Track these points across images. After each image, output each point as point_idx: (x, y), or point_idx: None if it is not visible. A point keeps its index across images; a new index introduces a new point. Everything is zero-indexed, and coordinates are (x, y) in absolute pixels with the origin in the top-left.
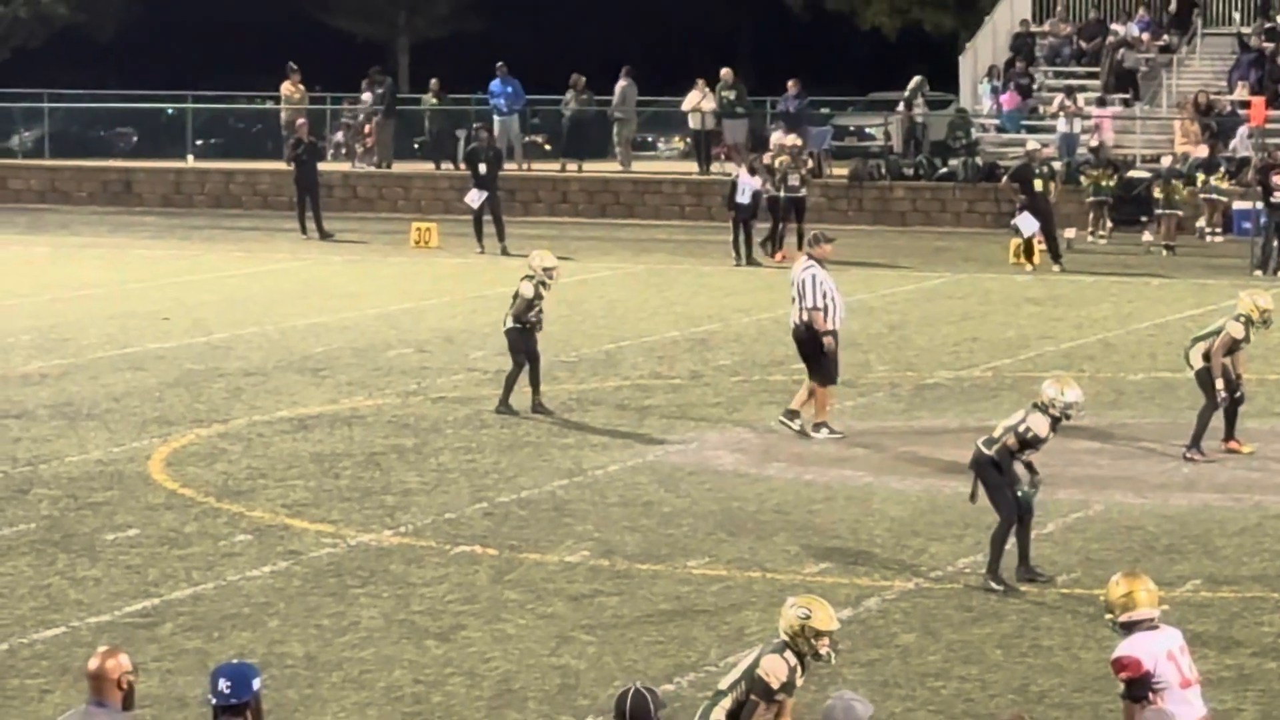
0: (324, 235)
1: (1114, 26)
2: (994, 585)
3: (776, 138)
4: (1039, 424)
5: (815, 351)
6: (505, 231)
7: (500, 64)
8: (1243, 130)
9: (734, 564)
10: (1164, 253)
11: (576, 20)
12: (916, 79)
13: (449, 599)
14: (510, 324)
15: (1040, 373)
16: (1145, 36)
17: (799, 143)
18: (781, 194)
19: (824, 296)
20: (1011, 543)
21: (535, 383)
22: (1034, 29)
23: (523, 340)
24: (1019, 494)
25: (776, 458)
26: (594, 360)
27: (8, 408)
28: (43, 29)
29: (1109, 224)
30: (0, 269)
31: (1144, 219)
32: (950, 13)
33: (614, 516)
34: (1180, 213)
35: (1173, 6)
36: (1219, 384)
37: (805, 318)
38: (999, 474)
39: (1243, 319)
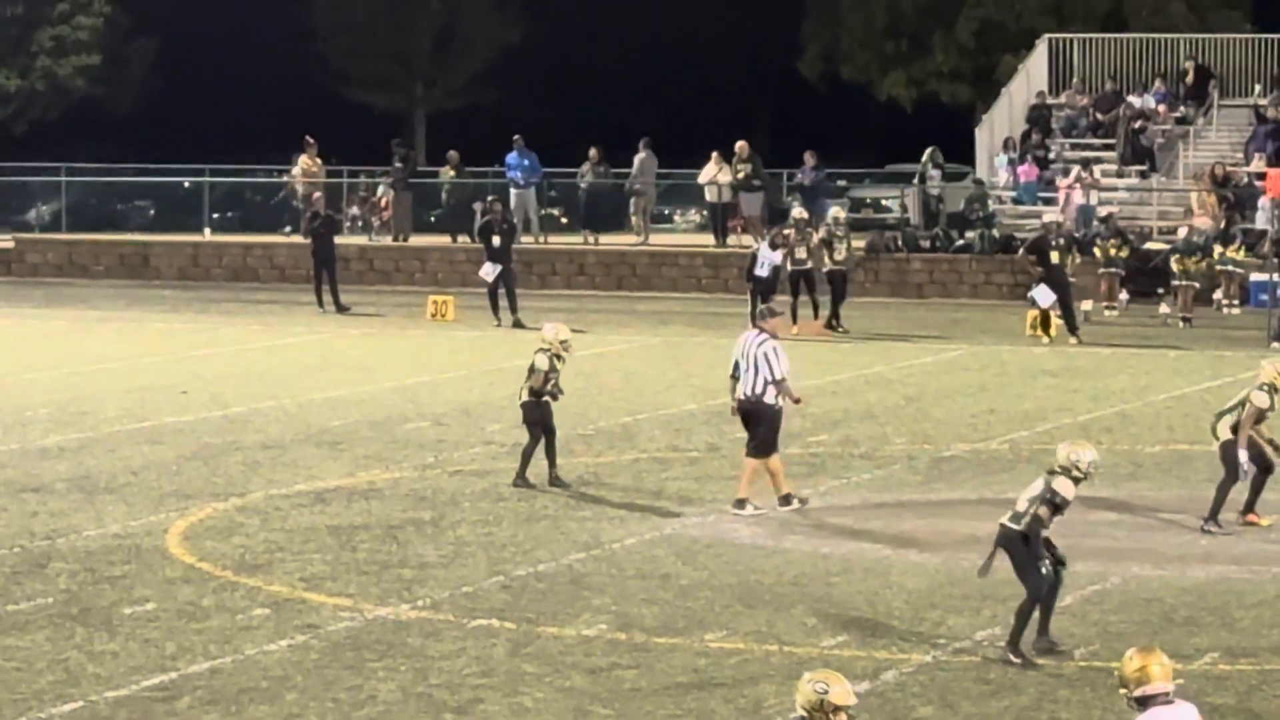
0: (341, 308)
1: (1130, 98)
2: (1013, 658)
3: (797, 212)
4: (1065, 488)
5: (762, 425)
6: (518, 304)
7: (517, 137)
8: (1264, 202)
9: (751, 637)
10: (1181, 325)
11: (593, 93)
12: (929, 150)
13: (466, 672)
14: (526, 397)
15: (1058, 445)
16: (1162, 108)
17: (805, 215)
18: (788, 266)
19: (781, 372)
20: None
21: (551, 456)
22: (1050, 101)
23: (539, 413)
24: (1049, 569)
25: (794, 530)
26: (611, 433)
27: (26, 481)
28: (60, 102)
29: (1124, 295)
30: (18, 343)
31: (1161, 291)
32: (967, 84)
33: (631, 589)
34: (1197, 285)
35: (1189, 78)
36: (1242, 456)
37: (756, 390)
38: (1027, 548)
39: (1266, 388)
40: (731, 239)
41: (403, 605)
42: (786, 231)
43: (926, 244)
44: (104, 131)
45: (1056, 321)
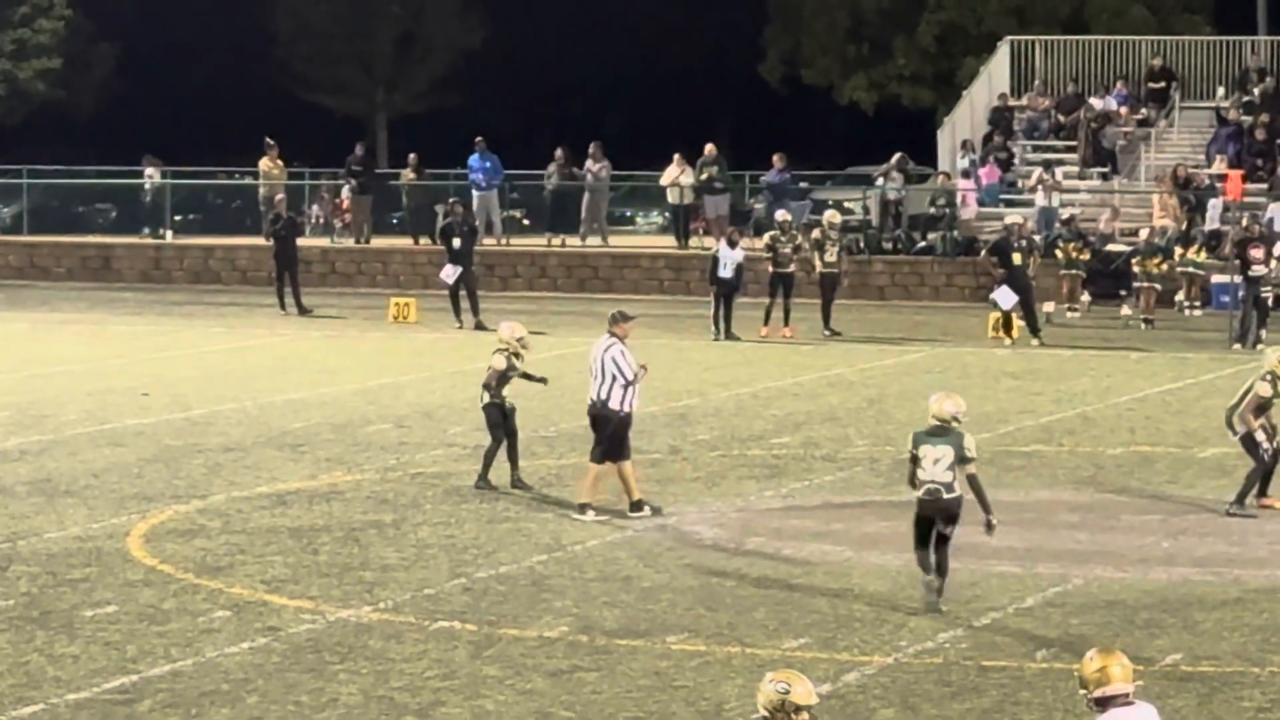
0: (302, 310)
1: (1092, 100)
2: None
3: (780, 215)
4: (970, 444)
5: (608, 430)
6: (480, 306)
7: (479, 139)
8: (1214, 203)
9: (713, 639)
10: (1143, 326)
11: (555, 96)
12: (897, 156)
13: (428, 675)
14: (487, 400)
15: (1020, 446)
16: (1124, 110)
17: (789, 218)
18: (770, 269)
19: (633, 370)
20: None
21: (514, 458)
22: (1012, 103)
23: (500, 415)
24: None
25: (755, 532)
26: (573, 435)
27: None
28: (21, 105)
29: (1085, 298)
30: None
31: (1123, 293)
32: (928, 87)
33: (593, 592)
34: (1159, 287)
35: (1153, 81)
36: (1260, 437)
37: (603, 396)
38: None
39: (1269, 377)
40: (694, 241)
41: (364, 608)
42: (742, 230)
43: (889, 246)
44: (65, 134)
45: (1018, 324)
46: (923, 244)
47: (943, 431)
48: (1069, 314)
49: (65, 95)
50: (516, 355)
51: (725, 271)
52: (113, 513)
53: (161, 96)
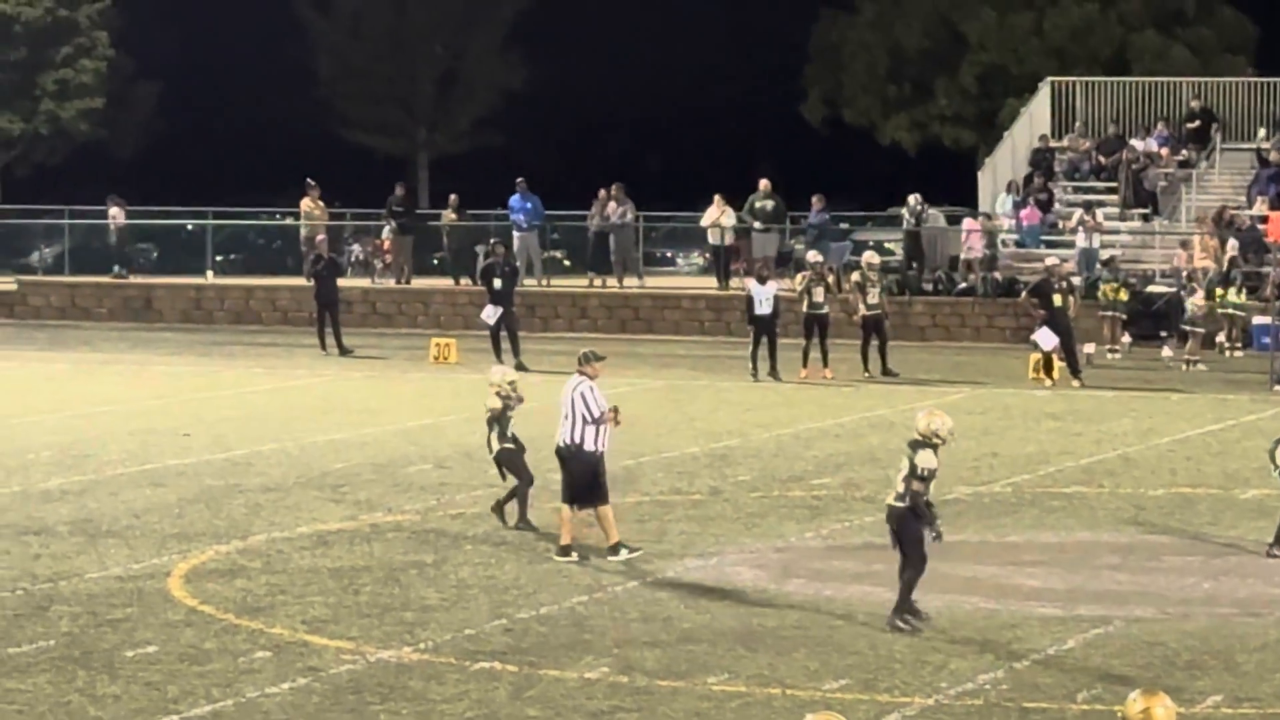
0: (343, 351)
1: (1133, 142)
2: (900, 625)
3: (812, 255)
4: (928, 459)
5: (587, 471)
6: (521, 347)
7: (520, 179)
8: (1231, 243)
9: (753, 680)
10: (1186, 368)
11: (595, 136)
12: (913, 197)
13: (468, 716)
14: (497, 445)
15: (1061, 487)
16: (1164, 151)
17: (820, 258)
18: (804, 309)
19: (599, 408)
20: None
21: (525, 501)
22: (1053, 144)
23: (517, 457)
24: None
25: (796, 574)
26: (613, 476)
27: (28, 524)
28: (64, 145)
29: (1126, 339)
30: (21, 385)
31: (1163, 334)
32: (969, 128)
33: (634, 632)
34: (1201, 329)
35: (1194, 121)
36: None
37: (575, 439)
38: (917, 522)
39: None
40: (734, 282)
41: (405, 648)
42: (779, 270)
43: (929, 287)
44: (107, 174)
45: (1059, 365)
46: (963, 285)
47: (916, 446)
48: (1109, 355)
49: (107, 135)
50: (509, 398)
51: (763, 309)
52: (154, 553)
53: (203, 136)
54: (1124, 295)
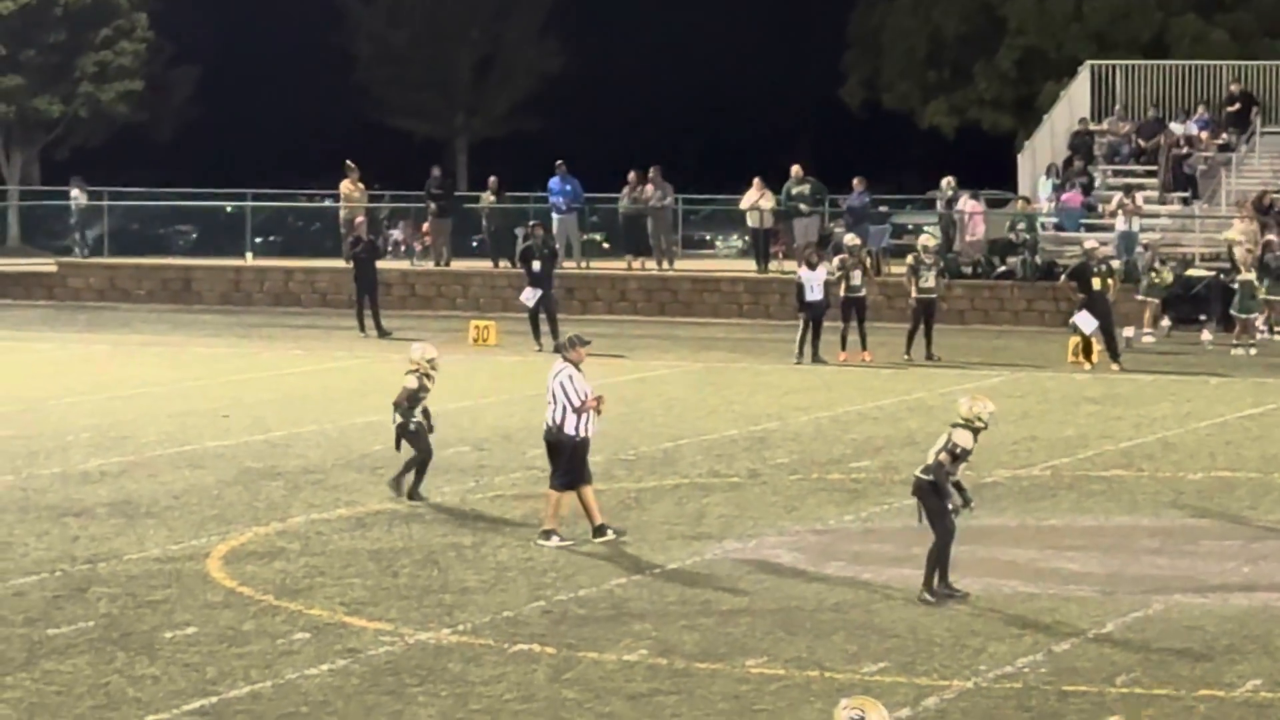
0: (382, 333)
1: (1172, 125)
2: (929, 598)
3: (850, 238)
4: (964, 438)
5: (563, 456)
6: (560, 330)
7: (560, 162)
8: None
9: (792, 663)
10: (1246, 352)
11: (633, 119)
12: (946, 180)
13: (507, 698)
14: (399, 420)
15: (1100, 471)
16: (1204, 135)
17: (858, 241)
18: (841, 293)
19: (579, 397)
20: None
21: (421, 473)
22: (1092, 128)
23: (423, 431)
24: (956, 513)
25: (835, 556)
26: (652, 459)
27: (67, 505)
28: (103, 128)
29: (1165, 322)
30: (60, 367)
31: (1202, 318)
32: (1008, 112)
33: (672, 615)
34: (1253, 315)
35: (1234, 105)
36: None
37: (557, 421)
38: (938, 497)
39: None
40: (774, 265)
41: (443, 630)
42: (820, 252)
43: (968, 270)
44: (146, 157)
45: (1098, 348)
46: (1002, 268)
47: (956, 426)
48: (1147, 339)
49: (146, 118)
50: (427, 376)
51: (812, 294)
52: (192, 534)
53: (241, 119)
54: (1169, 278)
